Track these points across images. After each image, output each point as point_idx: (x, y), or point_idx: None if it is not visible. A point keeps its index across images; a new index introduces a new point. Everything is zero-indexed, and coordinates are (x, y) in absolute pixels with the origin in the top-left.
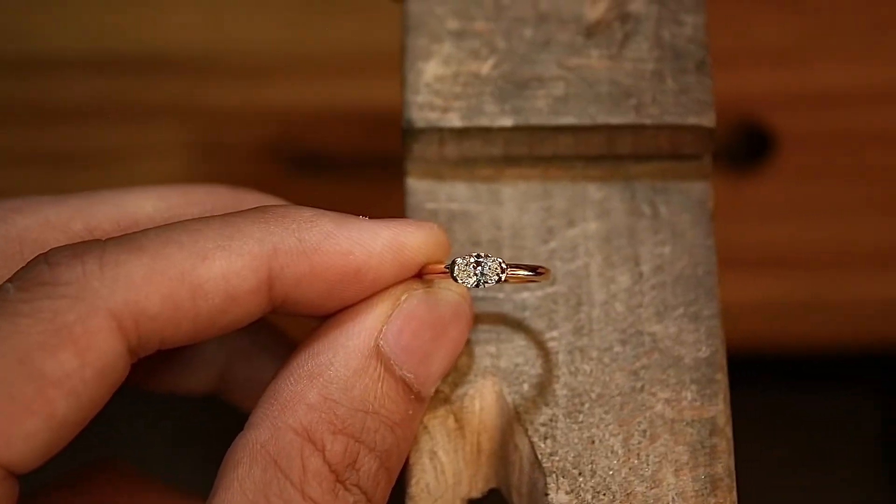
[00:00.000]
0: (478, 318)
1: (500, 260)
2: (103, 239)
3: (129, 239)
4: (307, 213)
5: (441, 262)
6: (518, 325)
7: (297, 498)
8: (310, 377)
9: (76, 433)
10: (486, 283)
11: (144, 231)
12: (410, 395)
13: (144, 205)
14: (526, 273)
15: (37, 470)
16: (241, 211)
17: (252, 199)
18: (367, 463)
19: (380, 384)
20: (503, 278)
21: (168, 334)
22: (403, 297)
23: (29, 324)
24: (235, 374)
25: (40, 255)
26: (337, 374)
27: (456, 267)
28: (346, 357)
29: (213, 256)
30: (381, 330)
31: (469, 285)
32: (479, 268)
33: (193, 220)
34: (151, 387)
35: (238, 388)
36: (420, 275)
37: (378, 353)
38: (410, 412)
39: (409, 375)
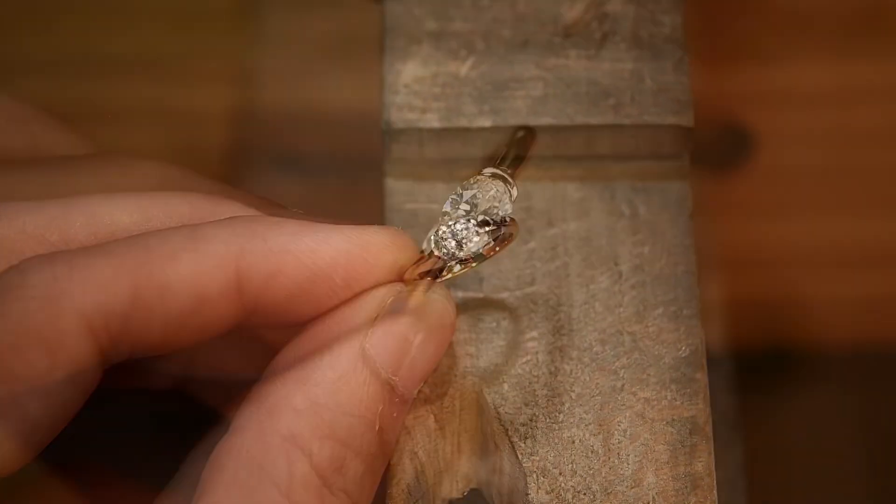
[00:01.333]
0: (458, 319)
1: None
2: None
3: (98, 246)
4: (273, 218)
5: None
6: (498, 326)
7: None
8: (296, 381)
9: (51, 437)
10: (468, 240)
11: (115, 240)
12: (395, 399)
13: (121, 216)
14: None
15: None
16: (211, 221)
17: (228, 208)
18: (353, 467)
19: (366, 388)
20: (479, 231)
21: (139, 337)
22: (389, 301)
23: None
24: (196, 368)
25: (12, 265)
26: (324, 377)
27: (432, 242)
28: (332, 361)
29: (180, 257)
30: (368, 334)
31: (451, 249)
32: (450, 228)
33: (163, 229)
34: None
35: (198, 383)
36: (402, 279)
37: (364, 357)
38: (394, 415)
39: (394, 379)
